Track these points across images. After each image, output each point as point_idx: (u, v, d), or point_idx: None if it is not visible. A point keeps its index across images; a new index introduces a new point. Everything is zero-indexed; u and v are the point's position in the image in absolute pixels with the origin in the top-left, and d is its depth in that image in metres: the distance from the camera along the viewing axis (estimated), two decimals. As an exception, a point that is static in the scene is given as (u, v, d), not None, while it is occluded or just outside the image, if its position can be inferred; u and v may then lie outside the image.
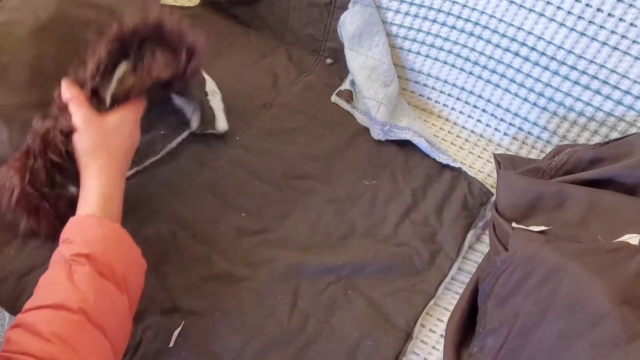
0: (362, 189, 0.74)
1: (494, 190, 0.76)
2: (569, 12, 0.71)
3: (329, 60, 0.90)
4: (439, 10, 0.80)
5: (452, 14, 0.79)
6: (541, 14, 0.73)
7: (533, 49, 0.75)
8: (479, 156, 0.82)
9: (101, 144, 0.56)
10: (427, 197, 0.75)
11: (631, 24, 0.68)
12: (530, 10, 0.73)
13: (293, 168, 0.75)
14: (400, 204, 0.73)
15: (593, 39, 0.71)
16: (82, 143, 0.56)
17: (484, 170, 0.80)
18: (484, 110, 0.83)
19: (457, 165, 0.78)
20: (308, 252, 0.68)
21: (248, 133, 0.77)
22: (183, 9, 0.93)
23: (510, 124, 0.81)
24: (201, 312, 0.62)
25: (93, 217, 0.53)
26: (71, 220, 0.54)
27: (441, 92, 0.86)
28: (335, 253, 0.68)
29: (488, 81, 0.81)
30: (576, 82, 0.74)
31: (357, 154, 0.78)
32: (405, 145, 0.79)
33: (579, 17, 0.70)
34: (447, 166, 0.78)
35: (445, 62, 0.83)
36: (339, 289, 0.66)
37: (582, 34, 0.71)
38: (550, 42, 0.74)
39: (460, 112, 0.85)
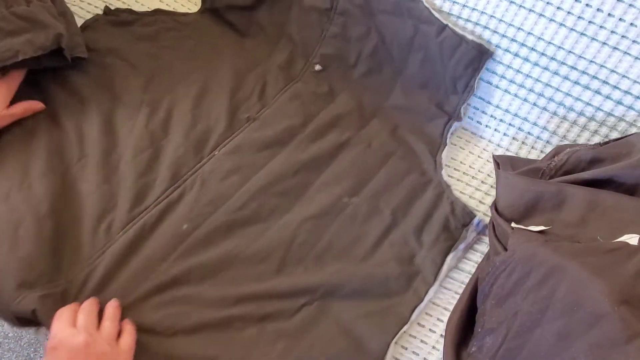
0: (341, 206, 0.72)
1: (489, 199, 0.76)
2: (569, 12, 0.71)
3: (317, 67, 0.87)
4: (439, 11, 0.80)
5: (452, 14, 0.79)
6: (541, 14, 0.73)
7: (533, 49, 0.75)
8: (478, 156, 0.82)
9: None
10: (407, 217, 0.72)
11: (631, 24, 0.68)
12: (530, 10, 0.73)
13: (272, 184, 0.72)
14: (380, 223, 0.71)
15: (593, 39, 0.71)
16: None
17: (483, 170, 0.80)
18: (483, 112, 0.83)
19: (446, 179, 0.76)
20: (282, 272, 0.66)
21: (227, 147, 0.75)
22: (181, 15, 0.90)
23: (510, 124, 0.81)
24: (162, 331, 0.60)
25: None
26: None
27: (441, 92, 0.86)
28: (310, 273, 0.66)
29: (488, 82, 0.81)
30: (576, 82, 0.74)
31: (338, 169, 0.75)
32: (386, 161, 0.77)
33: (579, 17, 0.70)
34: (430, 184, 0.76)
35: (445, 63, 0.83)
36: (312, 310, 0.64)
37: (582, 34, 0.71)
38: (550, 43, 0.74)
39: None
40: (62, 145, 0.71)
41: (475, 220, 0.73)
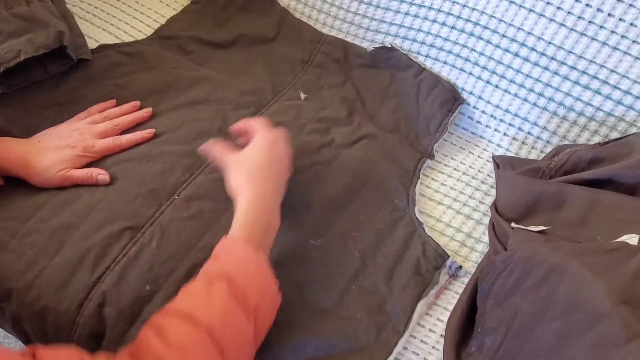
0: (307, 249, 0.67)
1: (489, 199, 0.76)
2: (569, 12, 0.71)
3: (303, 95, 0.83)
4: (439, 10, 0.80)
5: (452, 14, 0.79)
6: (541, 14, 0.73)
7: (533, 49, 0.75)
8: (478, 156, 0.82)
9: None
10: (377, 259, 0.67)
11: (631, 24, 0.68)
12: (530, 10, 0.73)
13: None
14: (348, 267, 0.66)
15: (593, 39, 0.71)
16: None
17: (483, 170, 0.80)
18: (483, 112, 0.83)
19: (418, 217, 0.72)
20: None
21: (187, 191, 0.68)
22: (126, 46, 0.84)
23: (510, 124, 0.81)
24: None
25: (240, 240, 0.56)
26: (223, 239, 0.57)
27: (441, 92, 0.86)
28: (276, 331, 0.60)
29: (488, 82, 0.81)
30: (576, 82, 0.74)
31: (305, 209, 0.70)
32: (356, 195, 0.72)
33: (579, 17, 0.71)
34: (401, 221, 0.71)
35: (445, 63, 0.83)
36: None
37: (582, 34, 0.71)
38: (550, 43, 0.74)
39: (460, 113, 0.85)
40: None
41: (448, 262, 0.69)
